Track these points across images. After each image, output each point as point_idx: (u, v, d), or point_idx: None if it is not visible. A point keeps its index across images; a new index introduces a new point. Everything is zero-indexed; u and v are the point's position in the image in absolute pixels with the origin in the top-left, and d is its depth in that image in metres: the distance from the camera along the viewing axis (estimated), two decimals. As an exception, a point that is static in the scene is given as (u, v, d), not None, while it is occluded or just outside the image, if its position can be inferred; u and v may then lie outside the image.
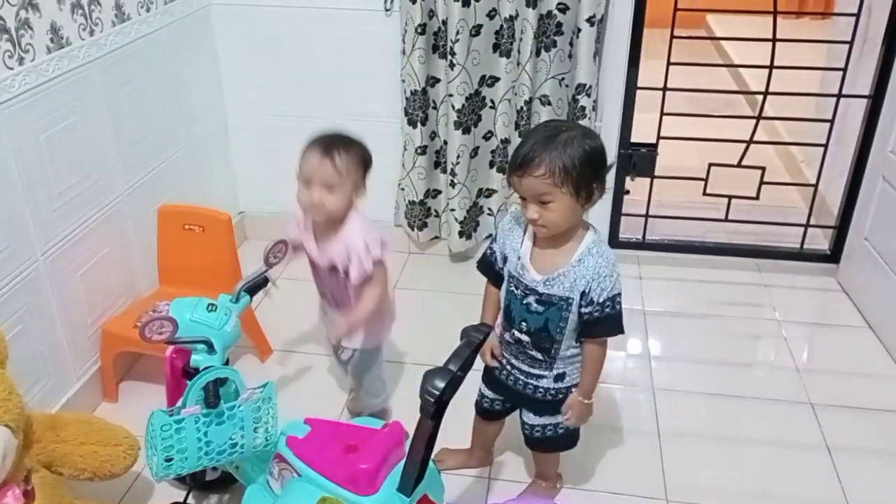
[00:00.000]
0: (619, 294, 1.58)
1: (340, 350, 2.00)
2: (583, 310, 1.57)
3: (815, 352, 2.58)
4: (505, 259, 1.68)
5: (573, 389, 1.71)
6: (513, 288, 1.66)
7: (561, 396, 1.72)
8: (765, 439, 2.15)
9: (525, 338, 1.68)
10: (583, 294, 1.55)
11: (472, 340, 1.47)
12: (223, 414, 1.58)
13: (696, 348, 2.53)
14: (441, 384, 1.36)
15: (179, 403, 1.56)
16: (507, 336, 1.73)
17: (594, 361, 1.68)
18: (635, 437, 2.17)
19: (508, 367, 1.76)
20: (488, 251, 1.73)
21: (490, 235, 2.98)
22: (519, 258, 1.63)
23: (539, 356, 1.69)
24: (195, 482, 1.88)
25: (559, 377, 1.71)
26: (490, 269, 1.74)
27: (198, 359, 1.61)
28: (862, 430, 2.18)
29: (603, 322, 1.58)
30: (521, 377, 1.74)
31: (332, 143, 1.75)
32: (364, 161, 1.80)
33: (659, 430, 2.18)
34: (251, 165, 2.98)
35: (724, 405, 2.28)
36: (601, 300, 1.55)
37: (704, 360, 2.47)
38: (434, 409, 1.39)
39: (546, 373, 1.71)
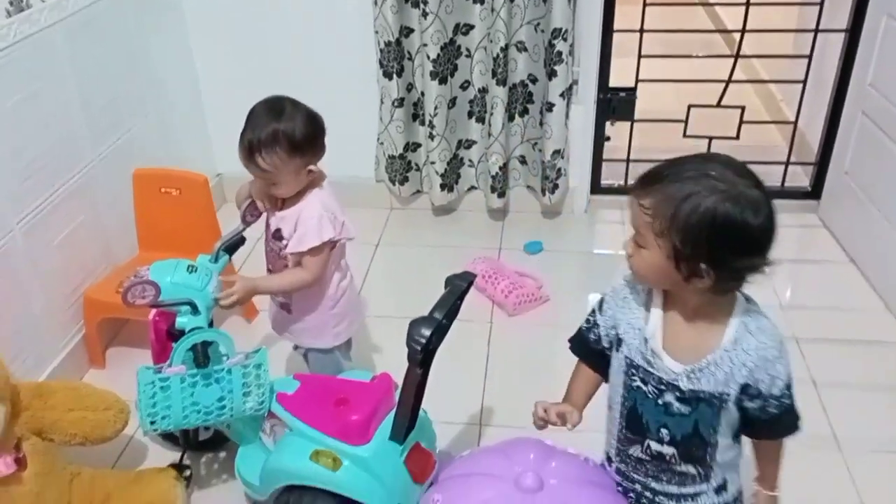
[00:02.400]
0: (792, 380, 1.18)
1: (297, 348, 1.93)
2: (748, 404, 1.17)
3: (799, 287, 2.61)
4: (618, 341, 1.24)
5: (743, 493, 1.30)
6: (638, 383, 1.21)
7: None
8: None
9: (669, 450, 1.23)
10: (744, 387, 1.15)
11: (457, 288, 1.47)
12: (210, 375, 1.57)
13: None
14: (427, 332, 1.36)
15: (166, 363, 1.55)
16: (635, 451, 1.26)
17: (775, 452, 1.27)
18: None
19: (648, 493, 1.28)
20: (586, 326, 1.32)
21: (473, 188, 2.97)
22: (645, 341, 1.19)
23: (691, 470, 1.24)
24: (189, 443, 1.88)
25: (720, 488, 1.26)
26: (588, 351, 1.33)
27: (182, 321, 1.59)
28: (846, 363, 2.21)
29: (780, 420, 1.18)
30: (670, 503, 1.28)
31: (254, 144, 1.60)
32: (295, 145, 1.61)
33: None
34: (227, 126, 2.87)
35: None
36: (775, 393, 1.15)
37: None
38: (421, 357, 1.40)
39: (703, 487, 1.25)
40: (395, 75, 2.65)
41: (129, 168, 2.30)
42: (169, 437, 1.95)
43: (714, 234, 1.05)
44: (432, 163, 2.79)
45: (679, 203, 1.05)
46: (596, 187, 3.03)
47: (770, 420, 1.17)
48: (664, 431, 1.20)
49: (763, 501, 1.29)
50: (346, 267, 1.82)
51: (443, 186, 2.85)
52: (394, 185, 2.91)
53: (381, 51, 2.61)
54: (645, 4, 2.71)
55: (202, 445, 1.93)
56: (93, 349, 2.20)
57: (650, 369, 1.18)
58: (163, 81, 2.61)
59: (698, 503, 1.25)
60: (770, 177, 2.96)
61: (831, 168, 2.82)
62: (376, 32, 2.60)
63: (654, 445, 1.22)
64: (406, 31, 2.61)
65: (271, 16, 2.71)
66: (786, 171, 2.98)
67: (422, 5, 2.49)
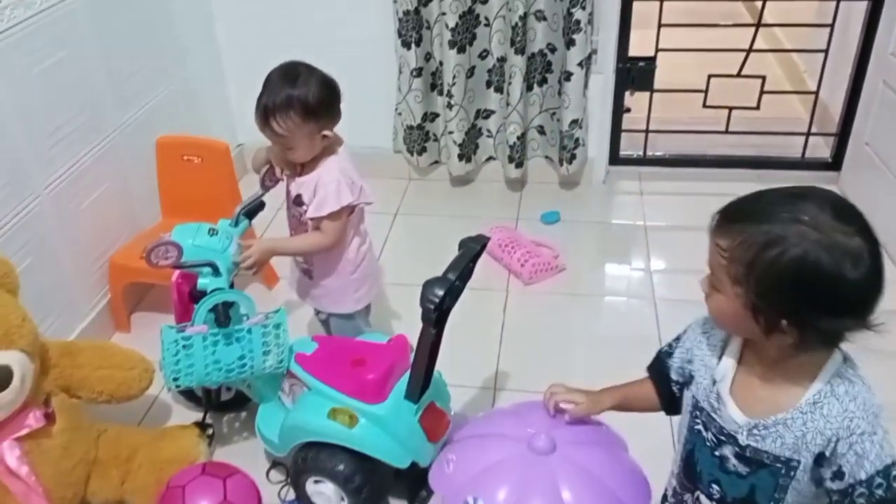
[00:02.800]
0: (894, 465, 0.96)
1: (318, 314, 1.97)
2: (830, 485, 0.99)
3: (816, 258, 2.61)
4: (689, 377, 1.13)
5: None
6: (699, 427, 1.09)
7: None
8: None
9: None
10: (820, 457, 0.98)
11: (470, 251, 1.49)
12: (231, 335, 1.62)
13: (697, 260, 2.55)
14: (440, 292, 1.39)
15: (189, 322, 1.60)
16: (687, 499, 1.14)
17: None
18: (638, 345, 2.21)
19: None
20: (666, 351, 1.19)
21: (491, 158, 2.99)
22: (714, 382, 1.06)
23: None
24: (211, 402, 1.94)
25: None
26: (662, 377, 1.19)
27: (204, 282, 1.63)
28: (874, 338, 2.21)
29: None
30: None
31: (269, 109, 1.63)
32: (309, 110, 1.64)
33: (660, 338, 2.22)
34: (248, 97, 2.93)
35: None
36: (861, 477, 0.95)
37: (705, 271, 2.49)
38: (435, 317, 1.43)
39: None
40: (413, 45, 2.66)
41: (152, 136, 2.34)
42: (192, 398, 2.01)
43: (799, 288, 0.90)
44: (450, 133, 2.81)
45: (760, 249, 0.91)
46: (615, 158, 3.03)
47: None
48: (715, 488, 1.07)
49: None
50: (365, 232, 1.85)
51: (461, 157, 2.87)
52: (412, 155, 2.93)
53: (400, 20, 2.62)
54: (665, -28, 2.69)
55: (224, 406, 1.99)
56: (118, 313, 2.26)
57: (713, 415, 1.05)
58: (185, 53, 2.64)
59: None
60: (791, 150, 2.98)
61: (852, 139, 2.80)
62: (395, 1, 2.61)
63: (704, 500, 1.09)
64: (424, 1, 2.61)
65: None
66: (806, 142, 2.96)
67: (440, -26, 2.50)
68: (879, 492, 0.94)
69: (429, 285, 1.41)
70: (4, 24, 1.79)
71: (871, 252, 0.90)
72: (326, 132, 1.68)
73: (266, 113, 1.63)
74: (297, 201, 1.75)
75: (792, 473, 0.99)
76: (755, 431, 1.00)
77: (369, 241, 1.87)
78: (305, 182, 1.73)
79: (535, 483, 1.05)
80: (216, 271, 1.64)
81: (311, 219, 1.72)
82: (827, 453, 0.96)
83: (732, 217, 0.96)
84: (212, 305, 1.59)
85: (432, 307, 1.39)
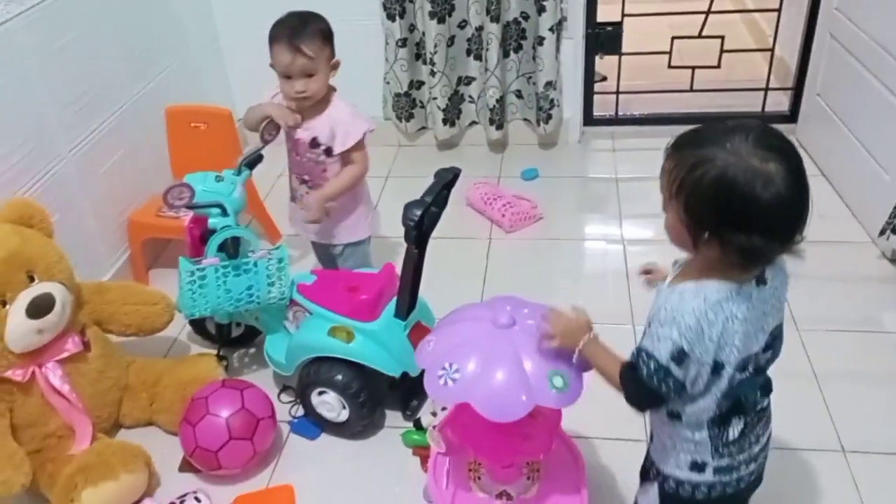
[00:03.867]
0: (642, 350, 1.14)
1: (332, 248, 2.16)
2: None
3: (773, 200, 2.83)
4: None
5: None
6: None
7: None
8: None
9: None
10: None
11: (442, 178, 1.72)
12: (239, 267, 1.85)
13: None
14: (418, 211, 1.62)
15: (203, 256, 1.84)
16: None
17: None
18: (611, 280, 2.45)
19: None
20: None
21: (473, 122, 3.20)
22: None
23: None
24: (223, 338, 2.17)
25: None
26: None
27: (214, 221, 1.86)
28: (813, 260, 2.38)
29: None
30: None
31: (294, 32, 1.85)
32: (326, 35, 1.91)
33: (628, 274, 2.45)
34: (245, 72, 3.16)
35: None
36: (640, 345, 1.15)
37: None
38: (416, 235, 1.66)
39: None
40: (397, 17, 2.88)
41: (160, 107, 2.56)
42: (206, 336, 2.24)
43: (716, 204, 1.02)
44: (434, 98, 3.03)
45: (689, 170, 1.04)
46: (588, 119, 3.25)
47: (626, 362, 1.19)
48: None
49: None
50: None
51: (445, 121, 3.10)
52: (400, 122, 3.15)
53: (384, -6, 2.85)
54: (627, -58, 2.90)
55: (235, 341, 2.22)
56: (137, 268, 2.49)
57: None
58: (183, 31, 2.86)
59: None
60: (755, 104, 3.20)
61: (806, 91, 3.02)
62: (379, -22, 2.83)
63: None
64: (406, -25, 2.84)
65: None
66: (765, 96, 3.18)
67: (419, -50, 2.71)
68: (639, 362, 1.13)
69: (408, 207, 1.64)
70: (27, 3, 2.01)
71: (784, 178, 0.99)
72: (336, 60, 1.94)
73: (293, 40, 1.85)
74: (314, 143, 1.96)
75: None
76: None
77: None
78: (316, 125, 1.96)
79: (498, 349, 1.28)
80: (224, 212, 1.86)
81: (341, 153, 1.94)
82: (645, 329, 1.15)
83: (675, 145, 1.11)
84: (221, 240, 1.82)
85: (412, 224, 1.62)
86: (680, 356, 1.09)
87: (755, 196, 0.99)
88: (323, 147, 1.97)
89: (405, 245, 1.73)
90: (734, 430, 1.20)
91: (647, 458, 1.33)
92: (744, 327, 1.10)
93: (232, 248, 1.83)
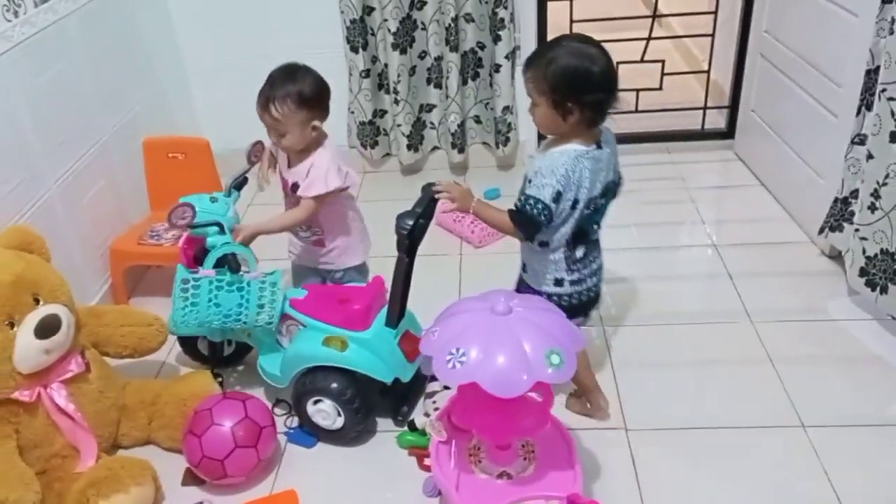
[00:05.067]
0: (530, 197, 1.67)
1: (332, 274, 2.24)
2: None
3: (720, 207, 3.08)
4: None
5: None
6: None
7: None
8: (681, 274, 2.64)
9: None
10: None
11: (430, 192, 1.85)
12: (233, 283, 1.94)
13: (620, 215, 2.94)
14: (410, 221, 1.75)
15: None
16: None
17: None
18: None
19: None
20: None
21: (436, 148, 3.36)
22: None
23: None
24: (215, 357, 2.23)
25: None
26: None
27: (213, 239, 1.93)
28: (760, 260, 2.65)
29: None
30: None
31: (269, 96, 1.94)
32: (304, 99, 1.95)
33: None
34: (213, 106, 3.27)
35: (650, 257, 2.74)
36: (527, 192, 1.71)
37: (630, 224, 2.91)
38: (408, 244, 1.79)
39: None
40: (360, 49, 3.03)
41: (135, 139, 2.64)
42: (197, 357, 2.29)
43: (570, 79, 1.60)
44: (398, 125, 3.18)
45: (545, 67, 1.61)
46: (540, 139, 3.43)
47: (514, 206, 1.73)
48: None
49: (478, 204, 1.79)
50: (354, 199, 2.22)
51: (409, 147, 3.24)
52: (365, 149, 3.28)
53: (348, 28, 2.99)
54: (572, -25, 3.14)
55: (226, 360, 2.29)
56: (118, 296, 2.54)
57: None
58: (154, 66, 2.95)
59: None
60: (692, 122, 3.44)
61: (741, 108, 3.27)
62: (342, 12, 2.98)
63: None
64: (368, 10, 2.99)
65: (248, 3, 3.06)
66: (704, 115, 3.42)
67: (380, -15, 2.88)
68: (525, 206, 1.66)
69: (400, 217, 1.77)
70: (15, 40, 2.09)
71: (602, 56, 1.62)
72: (316, 123, 2.01)
73: (267, 99, 1.95)
74: (294, 188, 2.07)
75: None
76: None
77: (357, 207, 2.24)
78: (298, 171, 2.06)
79: (499, 333, 1.41)
80: (222, 230, 1.96)
81: (301, 196, 2.04)
82: (527, 184, 1.69)
83: (527, 64, 1.67)
84: (220, 255, 1.91)
85: (405, 233, 1.75)
86: (557, 196, 1.66)
87: (590, 68, 1.60)
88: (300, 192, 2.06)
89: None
90: (579, 251, 1.81)
91: (521, 283, 1.91)
92: (591, 176, 1.68)
93: (234, 263, 1.92)
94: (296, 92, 1.95)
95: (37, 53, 2.18)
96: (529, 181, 1.68)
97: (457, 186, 1.81)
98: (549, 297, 1.80)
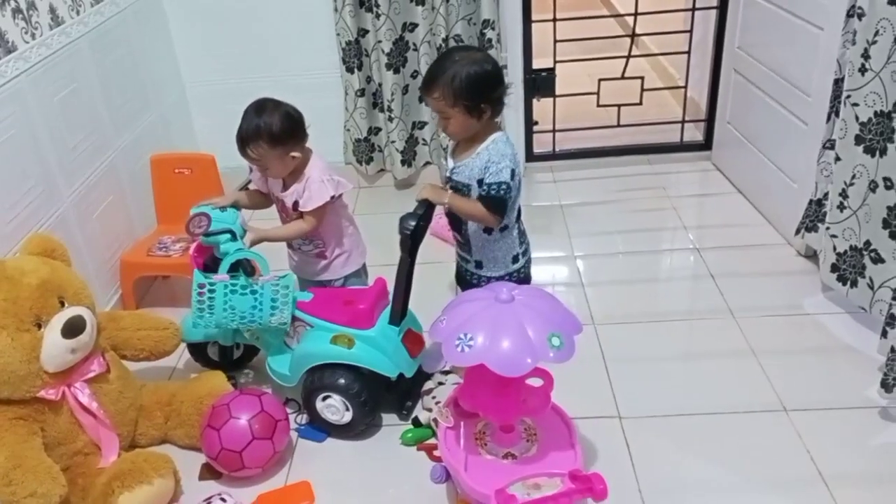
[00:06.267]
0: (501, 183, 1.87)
1: (332, 282, 2.33)
2: (480, 189, 1.93)
3: (700, 214, 3.23)
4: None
5: None
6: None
7: None
8: (666, 276, 2.77)
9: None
10: (480, 181, 1.92)
11: (425, 201, 1.97)
12: (247, 287, 2.05)
13: (607, 223, 3.12)
14: (412, 223, 1.88)
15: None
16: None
17: (472, 202, 1.97)
18: (564, 290, 2.73)
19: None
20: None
21: (428, 163, 3.49)
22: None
23: None
24: (225, 360, 2.33)
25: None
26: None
27: (226, 246, 2.04)
28: (740, 261, 2.80)
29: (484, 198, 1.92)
30: None
31: (243, 139, 2.04)
32: (275, 138, 2.02)
33: (582, 282, 2.74)
34: (212, 125, 3.38)
35: (635, 260, 2.88)
36: (489, 181, 1.89)
37: (615, 231, 3.06)
38: (410, 244, 1.91)
39: None
40: (355, 69, 3.17)
41: (143, 156, 2.75)
42: (206, 362, 2.38)
43: (476, 83, 1.81)
44: (392, 142, 3.31)
45: (450, 83, 1.81)
46: (529, 155, 3.59)
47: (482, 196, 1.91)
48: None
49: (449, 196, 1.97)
50: (347, 207, 2.31)
51: (403, 162, 3.37)
52: (361, 165, 3.41)
53: (343, 49, 3.14)
54: (555, -1, 3.32)
55: (236, 363, 2.38)
56: (128, 306, 2.63)
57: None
58: (159, 87, 3.07)
59: None
60: (671, 135, 3.61)
61: (717, 121, 3.44)
62: (338, 34, 3.12)
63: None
64: (362, 32, 3.13)
65: (245, 24, 3.20)
66: (682, 129, 3.59)
67: (374, 9, 3.03)
68: (492, 192, 1.86)
69: (403, 219, 1.90)
70: (32, 60, 2.20)
71: (487, 58, 1.87)
72: (294, 154, 2.10)
73: (241, 141, 2.07)
74: (295, 207, 2.17)
75: (470, 192, 1.93)
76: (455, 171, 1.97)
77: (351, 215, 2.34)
78: (296, 189, 2.16)
79: (503, 318, 1.53)
80: (234, 237, 2.07)
81: (303, 211, 2.15)
82: (484, 176, 1.88)
83: (429, 82, 1.85)
84: (234, 260, 2.01)
85: (408, 233, 1.87)
86: (513, 174, 1.89)
87: (489, 70, 1.84)
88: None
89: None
90: (521, 225, 2.07)
91: (471, 282, 2.10)
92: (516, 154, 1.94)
93: (249, 267, 2.02)
94: (266, 133, 2.03)
95: (52, 74, 2.30)
96: (480, 180, 1.90)
97: (430, 186, 2.00)
98: (510, 276, 2.04)
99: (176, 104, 3.25)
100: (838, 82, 2.36)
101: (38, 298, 1.79)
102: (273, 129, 2.04)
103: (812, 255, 2.72)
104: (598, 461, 1.96)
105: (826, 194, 2.48)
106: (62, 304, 1.84)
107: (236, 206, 2.21)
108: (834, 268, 2.41)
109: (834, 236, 2.39)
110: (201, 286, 2.00)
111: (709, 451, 1.98)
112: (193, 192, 2.63)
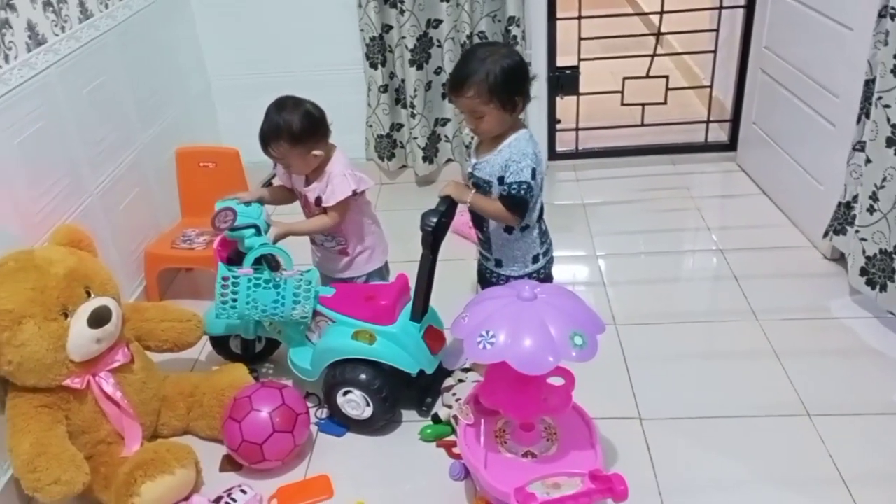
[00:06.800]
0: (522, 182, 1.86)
1: (355, 279, 2.34)
2: (501, 188, 1.92)
3: (724, 215, 3.21)
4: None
5: None
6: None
7: None
8: (688, 277, 2.75)
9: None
10: (500, 178, 1.91)
11: (447, 198, 1.97)
12: (270, 280, 2.06)
13: (629, 222, 3.11)
14: (434, 219, 1.88)
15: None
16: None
17: (492, 201, 1.97)
18: (585, 288, 2.72)
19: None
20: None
21: (449, 160, 3.49)
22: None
23: None
24: (247, 353, 2.35)
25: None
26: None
27: (251, 241, 2.06)
28: (764, 263, 2.78)
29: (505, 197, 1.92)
30: None
31: (265, 138, 2.07)
32: (296, 137, 2.04)
33: (604, 282, 2.73)
34: (236, 119, 3.38)
35: (658, 261, 2.87)
36: (510, 180, 1.88)
37: (637, 231, 3.04)
38: (432, 240, 1.91)
39: None
40: (379, 65, 3.17)
41: (167, 149, 2.77)
42: (228, 355, 2.40)
43: (509, 79, 1.82)
44: (414, 138, 3.32)
45: (485, 80, 1.81)
46: (552, 154, 3.57)
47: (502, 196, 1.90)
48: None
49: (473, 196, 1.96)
50: (370, 204, 2.32)
51: (424, 159, 3.37)
52: (382, 161, 3.42)
53: (367, 45, 3.14)
54: (581, -5, 3.30)
55: (257, 357, 2.40)
56: (151, 298, 2.65)
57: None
58: (183, 81, 3.10)
59: None
60: (695, 135, 3.58)
61: (743, 121, 3.41)
62: (362, 30, 3.13)
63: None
64: (387, 28, 3.14)
65: (269, 19, 3.21)
66: (707, 129, 3.56)
67: (399, 5, 3.03)
68: (512, 191, 1.86)
69: (425, 215, 1.90)
70: (62, 53, 2.22)
71: (514, 51, 1.91)
72: (316, 152, 2.11)
73: (263, 140, 2.08)
74: (318, 202, 2.19)
75: (491, 189, 1.92)
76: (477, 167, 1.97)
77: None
78: (319, 185, 2.18)
79: (526, 316, 1.52)
80: (258, 231, 2.08)
81: (326, 206, 2.16)
82: (504, 174, 1.87)
83: (460, 82, 1.84)
84: (258, 255, 2.02)
85: (430, 229, 1.87)
86: (534, 173, 1.88)
87: (517, 62, 1.85)
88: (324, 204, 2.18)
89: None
90: (543, 224, 2.06)
91: (489, 281, 2.10)
92: (539, 151, 1.93)
93: (274, 262, 2.03)
94: (286, 132, 2.04)
95: (80, 66, 2.32)
96: (500, 178, 1.89)
97: (452, 184, 2.00)
98: (529, 276, 2.04)
99: (201, 98, 3.28)
100: (869, 83, 2.33)
101: (65, 288, 1.81)
102: (293, 128, 2.05)
103: (838, 259, 2.68)
104: (618, 462, 1.95)
105: (855, 196, 2.45)
106: (88, 294, 1.86)
107: (261, 201, 2.22)
108: (863, 271, 2.38)
109: (863, 239, 2.36)
110: (225, 279, 2.02)
111: (729, 453, 1.97)
112: (218, 185, 2.66)
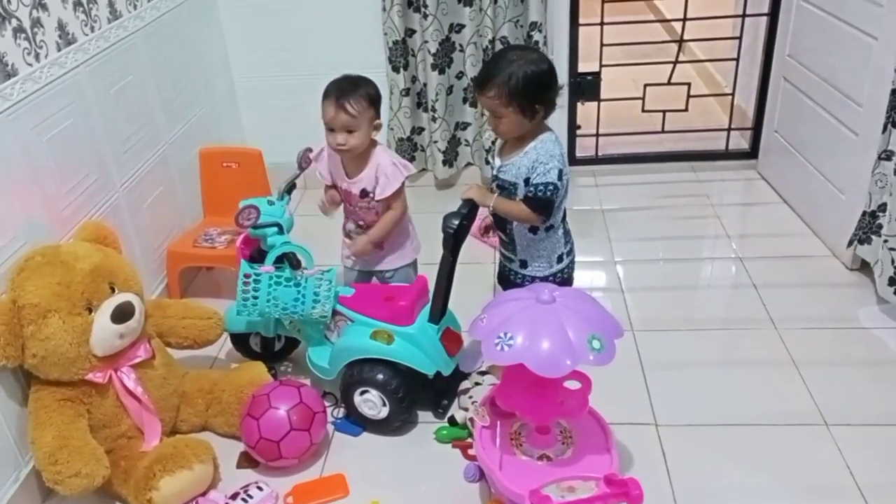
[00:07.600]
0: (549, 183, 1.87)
1: (383, 273, 2.36)
2: (527, 189, 1.92)
3: (744, 224, 3.19)
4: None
5: None
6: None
7: None
8: (707, 284, 2.75)
9: None
10: (527, 179, 1.92)
11: (469, 201, 1.98)
12: (291, 279, 2.08)
13: (648, 229, 3.10)
14: (456, 221, 1.89)
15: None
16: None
17: (517, 204, 1.97)
18: (603, 294, 2.72)
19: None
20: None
21: (469, 164, 3.51)
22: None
23: None
24: (266, 352, 2.37)
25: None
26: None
27: (273, 239, 2.08)
28: (784, 272, 2.76)
29: (529, 198, 1.92)
30: None
31: (342, 92, 2.07)
32: (372, 99, 2.12)
33: (622, 288, 2.73)
34: (260, 120, 3.44)
35: (676, 268, 2.86)
36: (536, 181, 1.88)
37: (656, 237, 3.03)
38: (452, 242, 1.92)
39: None
40: (401, 69, 3.20)
41: (192, 149, 2.80)
42: (248, 353, 2.42)
43: (530, 85, 1.81)
44: (435, 142, 3.33)
45: (506, 82, 1.81)
46: (572, 159, 3.57)
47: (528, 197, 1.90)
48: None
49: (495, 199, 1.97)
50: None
51: (444, 162, 3.39)
52: (402, 164, 3.43)
53: (390, 49, 3.16)
54: (603, 1, 3.29)
55: (277, 355, 2.42)
56: (173, 295, 2.68)
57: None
58: (209, 81, 3.13)
59: None
60: (716, 143, 3.57)
61: (764, 129, 3.40)
62: (385, 34, 3.15)
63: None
64: (410, 32, 3.16)
65: (294, 21, 3.25)
66: (728, 136, 3.55)
67: (422, 9, 3.05)
68: (539, 192, 1.86)
69: (447, 217, 1.91)
70: (91, 52, 2.26)
71: (544, 58, 1.88)
72: (378, 122, 2.16)
73: (340, 98, 2.08)
74: (363, 194, 2.21)
75: (516, 191, 1.92)
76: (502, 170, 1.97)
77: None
78: (363, 177, 2.20)
79: (544, 319, 1.53)
80: (281, 230, 2.10)
81: (380, 200, 2.18)
82: (531, 175, 1.87)
83: (485, 81, 1.85)
84: (280, 253, 2.05)
85: (451, 231, 1.89)
86: (560, 174, 1.88)
87: (545, 70, 1.84)
88: (371, 195, 2.20)
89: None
90: (567, 224, 2.06)
91: (513, 282, 2.08)
92: (564, 154, 1.92)
93: (295, 261, 2.06)
94: (366, 92, 2.11)
95: (109, 66, 2.36)
96: (527, 179, 1.89)
97: (476, 187, 2.01)
98: (553, 276, 2.04)
99: (225, 99, 3.32)
100: (895, 93, 2.31)
101: (90, 283, 1.84)
102: (371, 91, 2.13)
103: (860, 268, 2.67)
104: (634, 467, 1.95)
105: (881, 205, 2.43)
106: (112, 289, 1.90)
107: (290, 191, 2.24)
108: (892, 281, 2.37)
109: (892, 249, 2.35)
110: (247, 276, 2.05)
111: (745, 461, 1.96)
112: (240, 185, 2.71)
